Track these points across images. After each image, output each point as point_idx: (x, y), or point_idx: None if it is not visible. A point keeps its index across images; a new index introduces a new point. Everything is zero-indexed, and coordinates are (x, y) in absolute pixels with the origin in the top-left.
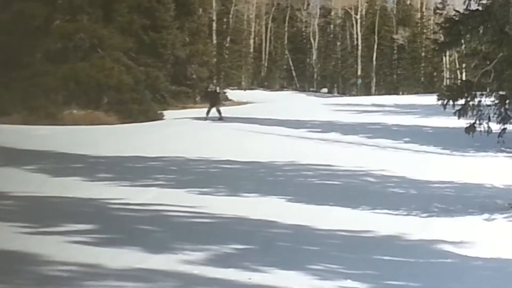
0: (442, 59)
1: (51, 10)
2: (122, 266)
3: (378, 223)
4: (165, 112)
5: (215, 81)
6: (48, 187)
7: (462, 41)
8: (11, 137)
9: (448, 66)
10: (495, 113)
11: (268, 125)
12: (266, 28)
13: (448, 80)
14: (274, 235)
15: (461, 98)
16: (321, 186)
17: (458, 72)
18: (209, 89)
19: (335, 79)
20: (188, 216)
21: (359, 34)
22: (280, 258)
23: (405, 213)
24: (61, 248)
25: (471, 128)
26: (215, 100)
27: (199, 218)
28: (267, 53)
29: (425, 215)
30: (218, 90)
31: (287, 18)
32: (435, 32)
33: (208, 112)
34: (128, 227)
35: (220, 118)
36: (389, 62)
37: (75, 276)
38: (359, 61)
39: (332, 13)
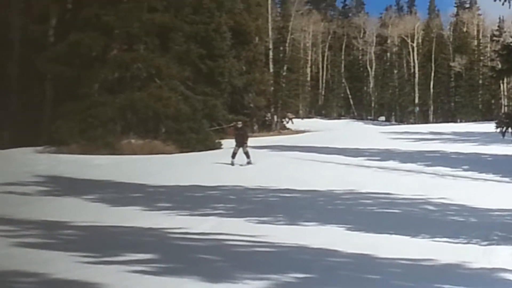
0: (500, 86)
1: (108, 40)
2: None
3: (438, 251)
4: (222, 141)
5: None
6: (108, 216)
7: None
8: (69, 166)
9: (506, 93)
10: None
11: (326, 153)
12: (323, 56)
13: (506, 108)
14: (334, 264)
15: None
16: (381, 214)
17: None
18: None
19: (393, 107)
20: (248, 245)
21: (416, 62)
22: (341, 287)
23: (465, 241)
24: (122, 278)
25: None
26: (241, 138)
27: (259, 247)
28: (324, 81)
29: (485, 243)
30: (241, 126)
31: (343, 46)
32: (492, 59)
33: (234, 155)
34: (188, 257)
35: (249, 162)
36: (446, 90)
37: None
38: (416, 89)
39: (389, 41)
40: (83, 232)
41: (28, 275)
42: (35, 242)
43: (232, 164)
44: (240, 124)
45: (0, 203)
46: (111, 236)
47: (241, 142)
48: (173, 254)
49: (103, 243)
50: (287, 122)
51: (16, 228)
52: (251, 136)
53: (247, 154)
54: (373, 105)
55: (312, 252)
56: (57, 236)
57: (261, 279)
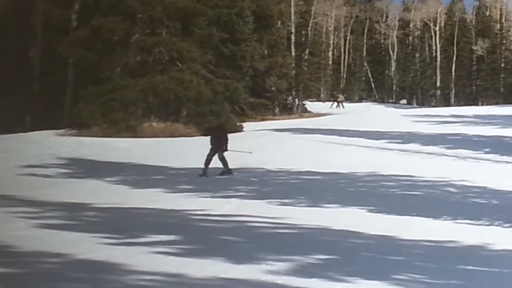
0: None
1: (130, 24)
2: (205, 276)
3: (460, 233)
4: (244, 124)
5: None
6: (130, 198)
7: None
8: (91, 149)
9: None
10: None
11: (348, 136)
12: (345, 40)
13: None
14: (357, 246)
15: None
16: (403, 196)
17: None
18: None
19: (414, 90)
20: (270, 227)
21: (438, 45)
22: (363, 268)
23: (487, 223)
24: (145, 259)
25: None
26: (219, 141)
27: (281, 228)
28: (346, 65)
29: (507, 225)
30: (217, 125)
31: (365, 30)
32: None
33: (207, 162)
34: (211, 238)
35: (226, 171)
36: (468, 73)
37: (159, 286)
38: (438, 72)
39: (411, 25)
40: (105, 214)
41: (52, 255)
42: (58, 224)
43: (204, 174)
44: (215, 123)
45: (23, 185)
46: (133, 217)
47: (216, 146)
48: (195, 235)
49: (125, 225)
50: (337, 106)
51: (39, 210)
52: (273, 119)
53: (223, 160)
54: (394, 88)
55: (335, 233)
56: (80, 217)
57: (284, 260)
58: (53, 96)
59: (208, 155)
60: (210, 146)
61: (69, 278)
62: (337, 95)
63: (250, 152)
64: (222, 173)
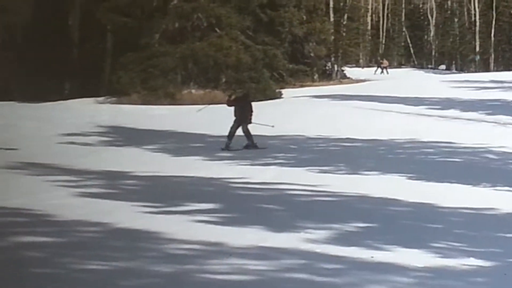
0: None
1: None
2: (245, 244)
3: (500, 200)
4: (283, 91)
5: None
6: (169, 166)
7: None
8: (131, 117)
9: None
10: None
11: (387, 102)
12: (384, 5)
13: None
14: (396, 213)
15: None
16: (442, 163)
17: None
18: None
19: (453, 55)
20: (309, 194)
21: (477, 10)
22: (402, 236)
23: None
24: (184, 227)
25: None
26: (243, 112)
27: (320, 196)
28: (384, 30)
29: None
30: (242, 95)
31: None
32: None
33: (230, 135)
34: (250, 206)
35: (250, 145)
36: (507, 38)
37: (198, 254)
38: (477, 37)
39: None
40: (145, 182)
41: (92, 224)
42: (98, 192)
43: (227, 147)
44: (240, 93)
45: (63, 153)
46: (173, 186)
47: (241, 118)
48: (234, 203)
49: (165, 193)
50: (382, 72)
51: (78, 178)
52: (312, 85)
53: (247, 133)
54: (433, 53)
55: (373, 201)
56: (119, 186)
57: (323, 228)
58: (92, 63)
59: (232, 127)
60: (235, 117)
61: (109, 247)
62: (381, 61)
63: (273, 126)
64: (246, 147)
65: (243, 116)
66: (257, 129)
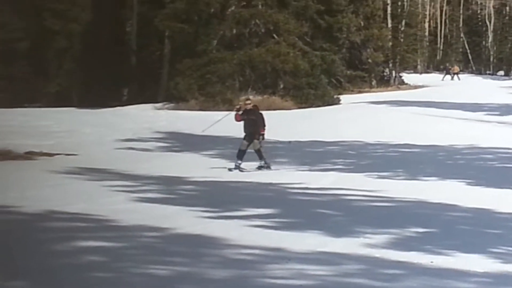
0: None
1: None
2: (304, 249)
3: None
4: (341, 97)
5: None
6: (227, 172)
7: None
8: (188, 122)
9: None
10: None
11: (445, 108)
12: (441, 11)
13: None
14: (455, 219)
15: None
16: (501, 169)
17: None
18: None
19: None
20: (368, 200)
21: None
22: (462, 241)
23: None
24: (244, 232)
25: None
26: (253, 127)
27: (379, 202)
28: (442, 36)
29: None
30: (251, 107)
31: (462, 1)
32: None
33: (240, 154)
34: (309, 211)
35: (264, 166)
36: None
37: (258, 259)
38: None
39: None
40: (203, 188)
41: (152, 229)
42: (157, 197)
43: (238, 167)
44: (249, 105)
45: (122, 159)
46: (231, 191)
47: (252, 133)
48: (293, 209)
49: (223, 198)
50: (452, 78)
51: (137, 183)
52: (369, 91)
53: (259, 153)
54: (491, 59)
55: (432, 207)
56: (177, 191)
57: (382, 233)
58: (149, 69)
59: (241, 145)
60: (245, 134)
61: (169, 252)
62: (450, 67)
63: (290, 142)
64: (260, 167)
65: (254, 131)
66: (313, 135)
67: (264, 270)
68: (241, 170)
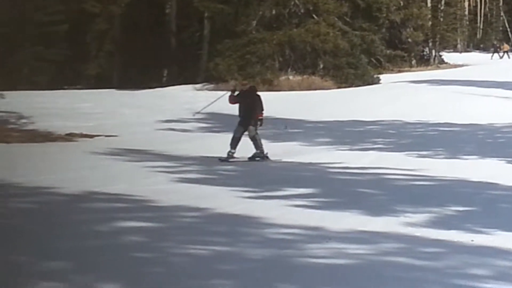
0: None
1: None
2: (344, 228)
3: None
4: (381, 76)
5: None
6: (269, 152)
7: None
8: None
9: None
10: None
11: (485, 87)
12: None
13: None
14: (496, 197)
15: None
16: None
17: None
18: (236, 90)
19: None
20: (408, 179)
21: None
22: (502, 219)
23: None
24: (284, 212)
25: None
26: (250, 111)
27: (419, 180)
28: (482, 15)
29: None
30: (248, 88)
31: None
32: None
33: (234, 141)
34: (349, 191)
35: (259, 155)
36: None
37: (298, 238)
38: None
39: None
40: (243, 168)
41: (192, 209)
42: (197, 178)
43: (229, 156)
44: (245, 85)
45: (162, 139)
46: (271, 171)
47: (247, 118)
48: (333, 188)
49: (263, 178)
50: (502, 57)
51: (177, 164)
52: (409, 71)
53: (254, 141)
54: None
55: (473, 185)
56: (217, 171)
57: (422, 212)
58: (189, 50)
59: (235, 132)
60: (239, 119)
61: (209, 232)
62: (497, 45)
63: (286, 127)
64: (253, 157)
65: (250, 116)
66: (353, 114)
67: (304, 249)
68: (231, 160)
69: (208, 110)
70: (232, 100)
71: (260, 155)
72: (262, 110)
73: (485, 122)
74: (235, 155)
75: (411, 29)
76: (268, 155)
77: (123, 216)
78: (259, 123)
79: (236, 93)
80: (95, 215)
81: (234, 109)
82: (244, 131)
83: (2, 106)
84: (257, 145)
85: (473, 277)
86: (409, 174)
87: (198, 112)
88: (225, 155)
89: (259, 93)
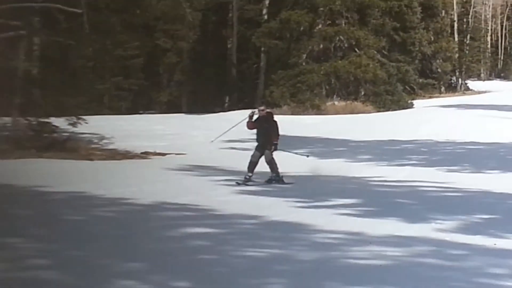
0: None
1: (314, 17)
2: (382, 234)
3: None
4: (414, 101)
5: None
6: (317, 168)
7: None
8: (282, 125)
9: None
10: None
11: (506, 110)
12: (502, 26)
13: None
14: None
15: None
16: None
17: None
18: (255, 113)
19: None
20: (438, 190)
21: None
22: None
23: None
24: (330, 219)
25: None
26: (265, 135)
27: (448, 192)
28: (503, 48)
29: None
30: (264, 113)
31: None
32: None
33: (252, 165)
34: (387, 201)
35: (275, 179)
36: None
37: (342, 242)
38: None
39: None
40: (296, 181)
41: (251, 217)
42: (255, 190)
43: (246, 179)
44: (262, 111)
45: (225, 157)
46: (320, 184)
47: (264, 143)
48: (373, 199)
49: (313, 190)
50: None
51: (238, 178)
52: (439, 97)
53: (271, 164)
54: None
55: (496, 196)
56: (273, 185)
57: (451, 219)
58: (248, 80)
59: (253, 156)
60: (257, 143)
61: (265, 237)
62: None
63: (308, 156)
64: (270, 181)
65: (266, 140)
66: (391, 135)
67: (347, 252)
68: (248, 184)
69: None
70: (250, 125)
71: (275, 178)
72: (278, 135)
73: (506, 141)
74: (252, 177)
75: (441, 60)
76: (284, 178)
77: (191, 223)
78: (273, 147)
79: (254, 118)
80: (167, 222)
81: (287, 131)
82: (261, 156)
83: (87, 129)
84: (273, 168)
85: (496, 276)
86: (439, 186)
87: (212, 141)
88: (267, 179)
89: (275, 118)
